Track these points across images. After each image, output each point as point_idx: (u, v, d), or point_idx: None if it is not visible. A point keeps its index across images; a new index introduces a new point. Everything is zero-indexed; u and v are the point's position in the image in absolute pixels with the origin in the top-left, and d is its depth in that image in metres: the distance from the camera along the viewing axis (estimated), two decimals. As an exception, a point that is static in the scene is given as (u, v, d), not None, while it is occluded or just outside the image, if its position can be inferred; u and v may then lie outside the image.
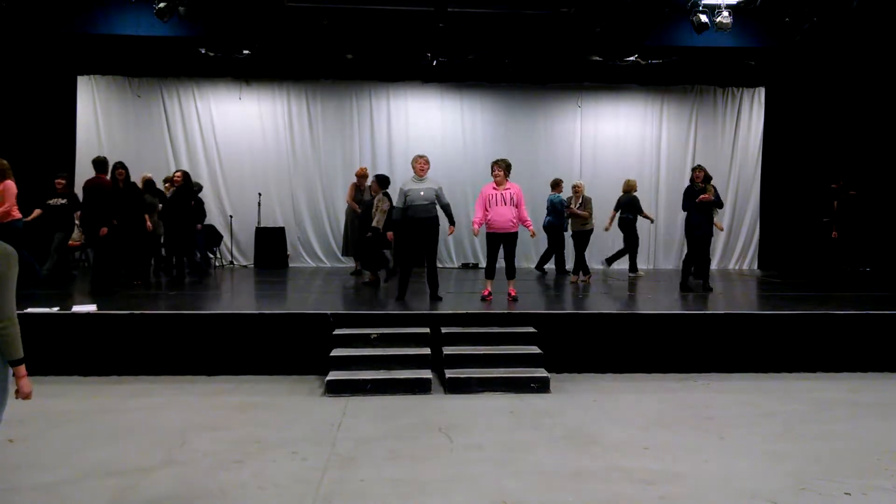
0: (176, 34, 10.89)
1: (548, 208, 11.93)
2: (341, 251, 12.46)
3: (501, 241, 8.42)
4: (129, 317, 7.07)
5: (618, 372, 7.23)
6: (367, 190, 11.65)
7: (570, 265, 11.83)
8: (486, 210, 8.35)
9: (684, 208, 9.91)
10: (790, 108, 13.65)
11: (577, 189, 11.16)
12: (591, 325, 7.37)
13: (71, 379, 6.79)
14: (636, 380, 7.04)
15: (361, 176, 11.53)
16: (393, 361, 6.67)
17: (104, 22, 10.92)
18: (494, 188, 8.36)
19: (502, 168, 8.39)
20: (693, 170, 9.95)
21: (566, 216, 11.38)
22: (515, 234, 8.44)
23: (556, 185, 11.92)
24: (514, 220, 8.32)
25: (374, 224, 9.56)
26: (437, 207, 8.37)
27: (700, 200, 9.55)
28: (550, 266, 12.41)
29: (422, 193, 8.22)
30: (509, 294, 8.51)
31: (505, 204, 8.27)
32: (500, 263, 8.63)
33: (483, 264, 13.47)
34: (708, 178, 9.82)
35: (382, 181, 9.94)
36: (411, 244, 8.49)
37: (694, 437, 5.27)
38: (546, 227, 11.99)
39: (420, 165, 8.33)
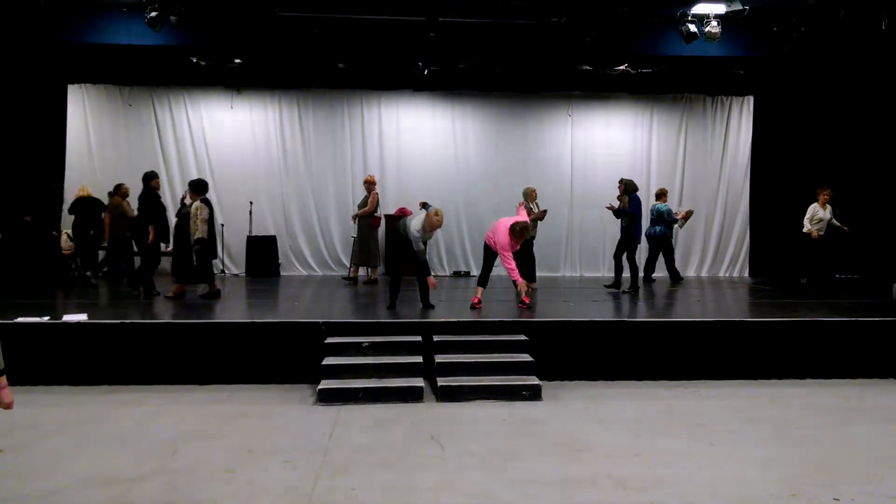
0: (167, 43, 10.89)
1: (653, 218, 11.55)
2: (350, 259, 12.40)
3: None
4: (119, 326, 7.04)
5: (609, 379, 7.25)
6: (373, 197, 11.70)
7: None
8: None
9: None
10: (779, 116, 13.76)
11: (533, 195, 11.00)
12: (582, 333, 7.39)
13: (62, 388, 6.75)
14: (627, 387, 7.07)
15: (370, 182, 11.69)
16: (385, 370, 6.67)
17: (95, 31, 10.91)
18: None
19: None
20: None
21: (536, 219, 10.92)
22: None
23: (663, 194, 11.71)
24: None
25: (198, 236, 9.02)
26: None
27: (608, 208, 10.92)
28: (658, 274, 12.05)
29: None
30: (523, 301, 8.57)
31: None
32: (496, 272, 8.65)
33: (475, 273, 13.54)
34: (628, 189, 10.68)
35: (199, 187, 9.30)
36: (401, 253, 8.50)
37: (684, 444, 5.30)
38: (655, 237, 11.58)
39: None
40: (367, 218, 11.67)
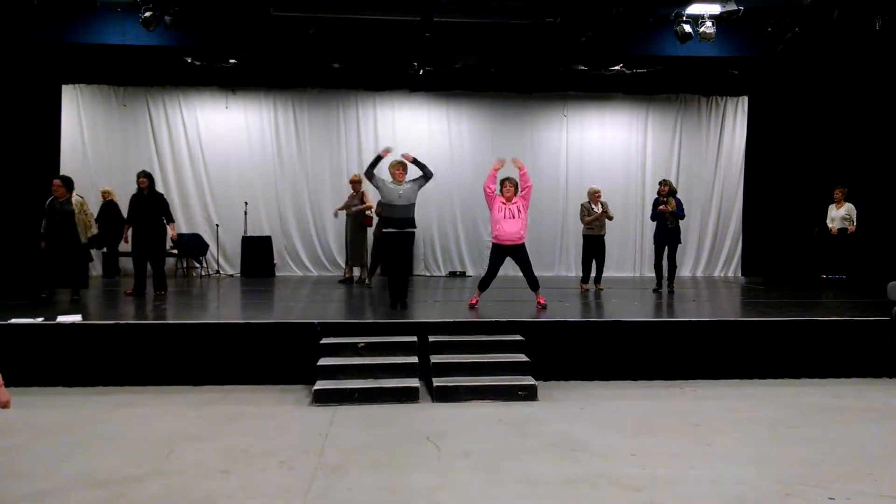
0: (162, 43, 10.85)
1: None
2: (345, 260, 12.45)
3: (509, 253, 8.43)
4: (114, 327, 7.02)
5: (605, 379, 7.25)
6: (359, 196, 11.70)
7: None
8: (494, 220, 8.43)
9: (652, 218, 10.89)
10: (773, 116, 13.78)
11: (598, 195, 11.03)
12: (577, 333, 7.40)
13: (55, 390, 6.72)
14: (623, 387, 7.07)
15: (356, 182, 11.67)
16: (380, 370, 6.66)
17: (89, 31, 10.86)
18: (503, 203, 8.39)
19: (514, 185, 8.43)
20: (659, 184, 10.87)
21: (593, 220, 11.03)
22: (523, 245, 8.46)
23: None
24: (522, 233, 8.39)
25: (94, 232, 8.74)
26: (414, 212, 8.38)
27: (660, 211, 10.57)
28: None
29: (400, 194, 8.24)
30: (538, 303, 8.48)
31: (513, 217, 8.34)
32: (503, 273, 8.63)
33: (470, 273, 13.53)
34: (672, 191, 10.71)
35: (71, 182, 9.01)
36: (390, 250, 8.46)
37: (680, 444, 5.30)
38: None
39: (399, 172, 8.33)
40: (360, 217, 11.67)
